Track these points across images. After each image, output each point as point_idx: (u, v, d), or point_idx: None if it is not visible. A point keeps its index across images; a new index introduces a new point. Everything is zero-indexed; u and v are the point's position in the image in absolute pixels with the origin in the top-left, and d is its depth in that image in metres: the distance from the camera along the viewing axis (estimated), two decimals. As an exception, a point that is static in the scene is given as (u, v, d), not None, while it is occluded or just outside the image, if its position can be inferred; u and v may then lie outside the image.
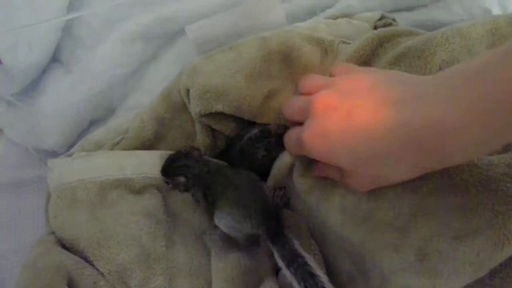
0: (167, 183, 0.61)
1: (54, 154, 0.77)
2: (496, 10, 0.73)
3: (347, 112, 0.44)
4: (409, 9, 0.75)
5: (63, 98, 0.76)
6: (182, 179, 0.60)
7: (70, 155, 0.65)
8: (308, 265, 0.50)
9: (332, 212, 0.53)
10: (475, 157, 0.44)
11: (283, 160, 0.60)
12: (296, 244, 0.52)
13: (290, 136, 0.54)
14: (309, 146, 0.47)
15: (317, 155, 0.48)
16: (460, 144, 0.39)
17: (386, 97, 0.43)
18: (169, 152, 0.63)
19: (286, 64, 0.62)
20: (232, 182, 0.57)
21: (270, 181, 0.62)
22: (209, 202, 0.59)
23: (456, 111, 0.38)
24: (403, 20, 0.71)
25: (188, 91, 0.61)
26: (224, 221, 0.56)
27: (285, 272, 0.51)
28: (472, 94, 0.37)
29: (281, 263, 0.52)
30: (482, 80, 0.37)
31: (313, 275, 0.49)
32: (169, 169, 0.61)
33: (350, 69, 0.54)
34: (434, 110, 0.39)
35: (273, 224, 0.55)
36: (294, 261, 0.51)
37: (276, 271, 0.56)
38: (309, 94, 0.51)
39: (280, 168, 0.61)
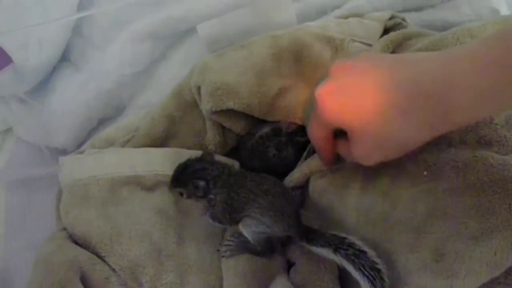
0: (181, 194, 0.58)
1: (64, 152, 0.78)
2: (504, 10, 0.73)
3: (362, 70, 0.45)
4: (417, 9, 0.76)
5: (73, 96, 0.77)
6: (202, 182, 0.56)
7: (81, 153, 0.66)
8: (355, 243, 0.49)
9: (346, 213, 0.53)
10: (478, 117, 0.45)
11: (301, 169, 0.61)
12: (328, 232, 0.52)
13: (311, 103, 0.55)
14: (321, 103, 0.46)
15: (327, 113, 0.46)
16: (466, 96, 0.40)
17: (401, 57, 0.46)
18: (179, 149, 0.63)
19: (297, 62, 0.62)
20: (262, 187, 0.55)
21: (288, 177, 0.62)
22: (232, 207, 0.56)
23: (467, 64, 0.39)
24: (411, 20, 0.71)
25: (199, 88, 0.62)
26: (253, 227, 0.55)
27: (336, 258, 0.51)
28: (485, 51, 0.39)
29: (327, 253, 0.51)
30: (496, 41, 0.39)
31: (363, 252, 0.49)
32: (183, 176, 0.57)
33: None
34: (436, 70, 0.41)
35: (302, 224, 0.54)
36: (340, 245, 0.50)
37: (288, 267, 0.56)
38: None
39: (297, 177, 0.61)
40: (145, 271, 0.56)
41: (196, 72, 0.62)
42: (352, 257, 0.49)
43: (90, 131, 0.79)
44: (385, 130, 0.44)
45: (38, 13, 0.78)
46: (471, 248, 0.44)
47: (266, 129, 0.63)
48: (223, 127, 0.64)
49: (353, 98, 0.44)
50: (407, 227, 0.48)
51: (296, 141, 0.63)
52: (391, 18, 0.68)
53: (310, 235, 0.52)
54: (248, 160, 0.64)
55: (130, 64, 0.75)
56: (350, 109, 0.45)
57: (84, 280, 0.54)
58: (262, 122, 0.64)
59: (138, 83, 0.78)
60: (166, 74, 0.77)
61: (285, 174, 0.63)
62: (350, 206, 0.52)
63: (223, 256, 0.58)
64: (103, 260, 0.57)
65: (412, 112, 0.42)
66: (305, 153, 0.63)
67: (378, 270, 0.48)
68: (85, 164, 0.62)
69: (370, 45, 0.64)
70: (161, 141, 0.66)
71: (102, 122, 0.80)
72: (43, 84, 0.80)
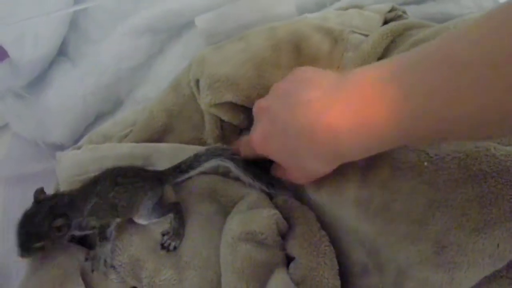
0: (42, 248, 0.53)
1: (61, 147, 0.77)
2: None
3: (274, 114, 0.50)
4: (418, 2, 0.75)
5: (70, 91, 0.76)
6: (60, 220, 0.52)
7: (79, 148, 0.65)
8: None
9: (346, 206, 0.52)
10: (375, 152, 0.46)
11: None
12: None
13: (244, 142, 0.59)
14: (255, 147, 0.53)
15: (263, 153, 0.53)
16: (352, 144, 0.43)
17: (300, 99, 0.47)
18: (177, 144, 0.63)
19: (296, 53, 0.61)
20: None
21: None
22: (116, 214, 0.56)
23: (346, 117, 0.42)
24: (412, 13, 0.71)
25: (197, 81, 0.61)
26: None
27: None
28: (362, 105, 0.41)
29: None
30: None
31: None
32: (33, 229, 0.53)
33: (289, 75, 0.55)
34: (332, 112, 0.43)
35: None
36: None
37: (288, 262, 0.56)
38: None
39: None
40: (145, 265, 0.56)
41: (194, 65, 0.62)
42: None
43: (87, 126, 0.79)
44: (304, 166, 0.51)
45: (34, 7, 0.78)
46: (473, 240, 0.43)
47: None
48: (221, 121, 0.64)
49: (272, 142, 0.51)
50: (407, 219, 0.47)
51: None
52: (392, 10, 0.67)
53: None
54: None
55: (127, 58, 0.75)
56: (272, 150, 0.52)
57: (83, 276, 0.54)
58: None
59: (136, 77, 0.77)
60: (164, 68, 0.76)
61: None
62: (349, 199, 0.52)
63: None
64: None
65: (316, 153, 0.47)
66: None
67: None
68: (82, 159, 0.61)
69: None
70: (159, 136, 0.66)
71: (100, 117, 0.79)
72: (40, 79, 0.79)
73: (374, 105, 0.40)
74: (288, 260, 0.56)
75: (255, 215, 0.56)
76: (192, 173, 0.60)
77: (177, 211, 0.58)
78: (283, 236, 0.57)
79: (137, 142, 0.65)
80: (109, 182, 0.56)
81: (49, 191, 0.66)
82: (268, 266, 0.54)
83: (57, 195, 0.56)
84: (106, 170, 0.58)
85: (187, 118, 0.65)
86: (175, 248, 0.57)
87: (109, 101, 0.78)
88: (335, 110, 0.43)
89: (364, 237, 0.52)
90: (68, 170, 0.61)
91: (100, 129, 0.68)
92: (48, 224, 0.52)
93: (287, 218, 0.57)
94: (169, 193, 0.60)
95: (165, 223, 0.59)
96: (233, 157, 0.60)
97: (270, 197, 0.60)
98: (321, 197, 0.56)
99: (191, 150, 0.62)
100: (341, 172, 0.53)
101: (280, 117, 0.48)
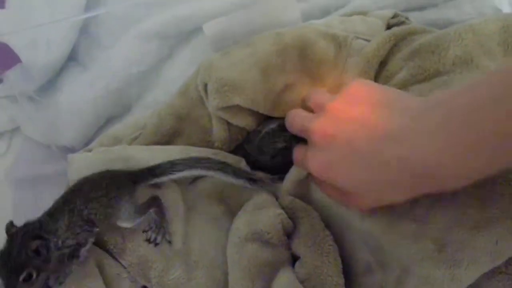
0: (30, 277, 0.49)
1: (71, 150, 0.79)
2: (506, 9, 0.74)
3: (346, 141, 0.47)
4: (420, 8, 0.76)
5: (81, 95, 0.78)
6: (35, 242, 0.50)
7: (90, 150, 0.67)
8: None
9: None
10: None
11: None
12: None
13: (296, 157, 0.57)
14: (315, 174, 0.51)
15: (323, 180, 0.52)
16: (453, 175, 0.41)
17: (383, 128, 0.44)
18: (186, 146, 0.65)
19: (301, 58, 0.63)
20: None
21: (288, 178, 0.63)
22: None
23: (450, 151, 0.40)
24: (414, 19, 0.72)
25: (205, 85, 0.63)
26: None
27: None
28: (467, 135, 0.39)
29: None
30: (478, 120, 0.38)
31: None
32: (13, 261, 0.49)
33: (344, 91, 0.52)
34: (429, 147, 0.41)
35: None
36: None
37: (293, 261, 0.57)
38: (310, 110, 0.55)
39: (295, 174, 0.62)
40: (154, 266, 0.57)
41: (202, 70, 0.63)
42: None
43: (98, 130, 0.80)
44: (378, 197, 0.48)
45: (46, 13, 0.80)
46: (473, 238, 0.44)
47: (272, 125, 0.63)
48: (229, 124, 0.65)
49: (345, 171, 0.48)
50: (409, 218, 0.49)
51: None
52: (394, 16, 0.69)
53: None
54: (256, 156, 0.65)
55: (137, 63, 0.77)
56: (342, 179, 0.49)
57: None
58: (268, 118, 0.65)
59: (145, 82, 0.78)
60: (172, 73, 0.78)
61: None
62: None
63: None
64: (114, 257, 0.58)
65: (402, 186, 0.45)
66: None
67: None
68: (93, 161, 0.63)
69: (372, 41, 0.64)
70: (168, 139, 0.67)
71: (110, 120, 0.81)
72: (51, 83, 0.81)
73: (477, 131, 0.38)
74: (294, 259, 0.57)
75: (261, 215, 0.58)
76: (163, 179, 0.60)
77: (157, 205, 0.59)
78: (289, 235, 0.58)
79: (146, 144, 0.66)
80: (82, 199, 0.55)
81: (60, 192, 0.68)
82: (274, 265, 0.55)
83: (27, 223, 0.54)
84: (76, 183, 0.57)
85: (195, 121, 0.66)
86: (166, 240, 0.58)
87: (119, 105, 0.79)
88: (431, 142, 0.41)
89: (368, 236, 0.53)
90: (79, 172, 0.61)
91: (111, 131, 0.69)
92: (25, 251, 0.49)
93: (292, 218, 0.59)
94: (144, 192, 0.60)
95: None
96: (219, 166, 0.60)
97: (276, 198, 0.62)
98: (328, 199, 0.57)
99: (199, 152, 0.64)
100: None
101: (355, 147, 0.46)
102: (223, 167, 0.60)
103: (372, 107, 0.47)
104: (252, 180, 0.61)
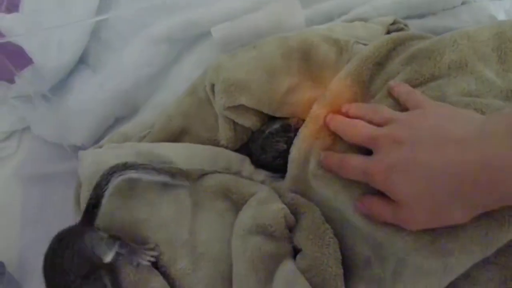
0: None
1: (81, 149, 0.80)
2: (502, 17, 0.76)
3: (411, 147, 0.47)
4: (420, 16, 0.79)
5: (90, 96, 0.80)
6: None
7: (100, 147, 0.69)
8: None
9: (351, 203, 0.56)
10: None
11: (295, 155, 0.63)
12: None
13: (355, 165, 0.53)
14: (377, 178, 0.50)
15: (382, 187, 0.50)
16: None
17: (447, 136, 0.46)
18: (193, 144, 0.68)
19: (305, 61, 0.66)
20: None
21: (288, 176, 0.65)
22: None
23: None
24: (414, 26, 0.75)
25: (213, 86, 0.65)
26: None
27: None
28: None
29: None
30: None
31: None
32: None
33: (421, 101, 0.54)
34: (493, 150, 0.41)
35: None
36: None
37: (294, 254, 0.59)
38: (377, 124, 0.54)
39: (293, 161, 0.64)
40: (161, 256, 0.59)
41: (210, 71, 0.66)
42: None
43: (107, 129, 0.83)
44: (435, 210, 0.46)
45: (59, 16, 0.82)
46: (463, 229, 0.47)
47: (276, 126, 0.66)
48: (235, 123, 0.67)
49: (405, 177, 0.47)
50: None
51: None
52: (394, 23, 0.72)
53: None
54: (259, 156, 0.67)
55: (146, 66, 0.79)
56: (402, 186, 0.48)
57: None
58: (272, 118, 0.67)
59: (153, 83, 0.81)
60: (180, 75, 0.81)
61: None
62: (356, 197, 0.55)
63: None
64: None
65: (464, 196, 0.44)
66: None
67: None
68: (105, 157, 0.65)
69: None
70: (175, 137, 0.70)
71: (118, 120, 0.83)
72: (61, 84, 0.84)
73: None
74: (295, 252, 0.59)
75: (265, 209, 0.60)
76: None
77: (119, 238, 0.58)
78: (291, 229, 0.60)
79: (155, 142, 0.69)
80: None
81: (69, 190, 0.70)
82: (277, 257, 0.57)
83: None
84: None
85: (202, 121, 0.69)
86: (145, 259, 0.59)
87: (127, 105, 0.82)
88: (499, 145, 0.41)
89: (368, 233, 0.55)
90: (91, 168, 0.64)
91: (120, 130, 0.72)
92: None
93: (294, 213, 0.61)
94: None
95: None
96: (143, 166, 0.60)
97: (279, 194, 0.64)
98: (327, 194, 0.59)
99: (206, 149, 0.67)
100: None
101: (419, 153, 0.46)
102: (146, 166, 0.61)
103: (439, 118, 0.48)
104: (173, 175, 0.62)
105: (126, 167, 0.60)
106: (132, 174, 0.60)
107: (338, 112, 0.60)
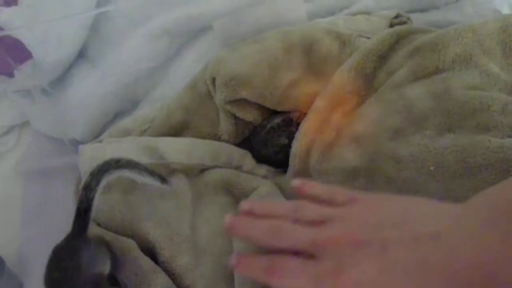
0: None
1: (81, 143, 0.81)
2: (505, 11, 0.76)
3: (381, 249, 0.38)
4: (423, 10, 0.79)
5: (90, 90, 0.80)
6: None
7: (100, 141, 0.69)
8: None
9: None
10: None
11: (297, 149, 0.63)
12: None
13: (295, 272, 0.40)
14: None
15: None
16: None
17: (421, 231, 0.37)
18: (193, 139, 0.67)
19: (307, 55, 0.65)
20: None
21: (289, 170, 0.64)
22: None
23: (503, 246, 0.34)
24: (417, 20, 0.75)
25: (214, 80, 0.65)
26: None
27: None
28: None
29: None
30: None
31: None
32: None
33: (361, 198, 0.44)
34: (478, 245, 0.35)
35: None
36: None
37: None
38: (307, 223, 0.42)
39: (294, 155, 0.63)
40: (162, 252, 0.59)
41: (211, 65, 0.65)
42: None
43: (106, 124, 0.82)
44: None
45: (58, 10, 0.81)
46: None
47: (277, 120, 0.65)
48: (236, 118, 0.67)
49: (381, 285, 0.37)
50: None
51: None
52: (397, 16, 0.71)
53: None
54: (261, 150, 0.67)
55: (146, 60, 0.79)
56: None
57: None
58: (273, 112, 0.67)
59: (153, 78, 0.80)
60: (180, 70, 0.80)
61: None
62: (359, 186, 0.55)
63: None
64: None
65: None
66: None
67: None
68: (104, 152, 0.65)
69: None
70: (176, 132, 0.69)
71: (118, 115, 0.83)
72: (61, 78, 0.83)
73: None
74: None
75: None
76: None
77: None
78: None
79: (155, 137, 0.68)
80: None
81: (69, 185, 0.70)
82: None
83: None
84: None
85: (203, 115, 0.69)
86: None
87: (127, 100, 0.81)
88: (480, 240, 0.35)
89: None
90: (91, 162, 0.63)
91: (120, 124, 0.71)
92: None
93: None
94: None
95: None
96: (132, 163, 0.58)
97: (280, 189, 0.63)
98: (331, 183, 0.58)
99: (207, 144, 0.66)
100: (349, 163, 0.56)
101: (393, 253, 0.37)
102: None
103: (404, 210, 0.40)
104: (163, 179, 0.60)
105: (119, 165, 0.57)
106: (123, 173, 0.57)
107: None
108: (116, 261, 0.57)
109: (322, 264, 0.39)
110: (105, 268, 0.55)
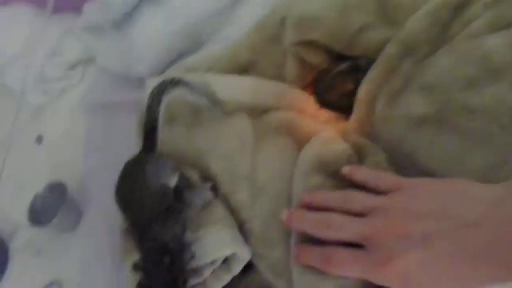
0: None
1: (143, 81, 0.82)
2: None
3: (423, 240, 0.39)
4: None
5: (157, 29, 0.81)
6: None
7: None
8: None
9: (421, 143, 0.54)
10: None
11: (362, 96, 0.62)
12: None
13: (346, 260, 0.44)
14: (389, 284, 0.41)
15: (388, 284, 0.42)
16: None
17: (462, 219, 0.39)
18: (259, 79, 0.67)
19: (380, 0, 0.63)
20: None
21: (353, 117, 0.64)
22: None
23: None
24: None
25: (284, 20, 0.64)
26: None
27: None
28: None
29: None
30: None
31: None
32: None
33: (403, 185, 0.47)
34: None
35: None
36: None
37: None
38: (356, 213, 0.46)
39: (360, 101, 0.62)
40: (221, 186, 0.60)
41: (282, 5, 0.65)
42: None
43: (170, 63, 0.83)
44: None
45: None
46: None
47: (344, 65, 0.64)
48: (302, 61, 0.66)
49: (425, 275, 0.39)
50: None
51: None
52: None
53: None
54: (325, 94, 0.66)
55: (213, 1, 0.79)
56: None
57: None
58: (340, 58, 0.66)
59: (220, 19, 0.81)
60: (247, 11, 0.80)
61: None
62: (426, 137, 0.54)
63: None
64: None
65: (494, 277, 0.37)
66: None
67: None
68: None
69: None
70: (241, 71, 0.69)
71: (181, 55, 0.83)
72: (127, 16, 0.84)
73: None
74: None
75: (328, 149, 0.59)
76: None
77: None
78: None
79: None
80: None
81: (133, 119, 0.71)
82: None
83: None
84: None
85: (269, 56, 0.68)
86: None
87: (192, 41, 0.82)
88: None
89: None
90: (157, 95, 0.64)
91: (186, 61, 0.72)
92: None
93: (357, 154, 0.59)
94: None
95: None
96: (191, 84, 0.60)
97: (342, 135, 0.63)
98: (397, 133, 0.57)
99: (272, 85, 0.66)
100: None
101: (437, 242, 0.39)
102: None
103: (445, 199, 0.42)
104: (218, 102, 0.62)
105: (175, 83, 0.59)
106: (180, 94, 0.59)
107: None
108: (183, 179, 0.59)
109: (371, 255, 0.42)
110: (172, 181, 0.57)
